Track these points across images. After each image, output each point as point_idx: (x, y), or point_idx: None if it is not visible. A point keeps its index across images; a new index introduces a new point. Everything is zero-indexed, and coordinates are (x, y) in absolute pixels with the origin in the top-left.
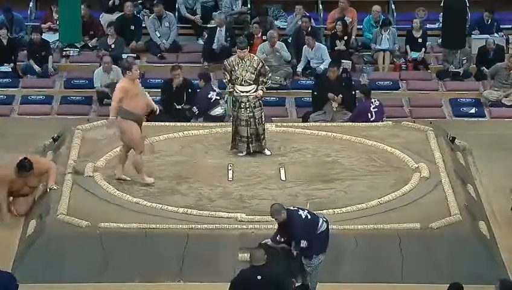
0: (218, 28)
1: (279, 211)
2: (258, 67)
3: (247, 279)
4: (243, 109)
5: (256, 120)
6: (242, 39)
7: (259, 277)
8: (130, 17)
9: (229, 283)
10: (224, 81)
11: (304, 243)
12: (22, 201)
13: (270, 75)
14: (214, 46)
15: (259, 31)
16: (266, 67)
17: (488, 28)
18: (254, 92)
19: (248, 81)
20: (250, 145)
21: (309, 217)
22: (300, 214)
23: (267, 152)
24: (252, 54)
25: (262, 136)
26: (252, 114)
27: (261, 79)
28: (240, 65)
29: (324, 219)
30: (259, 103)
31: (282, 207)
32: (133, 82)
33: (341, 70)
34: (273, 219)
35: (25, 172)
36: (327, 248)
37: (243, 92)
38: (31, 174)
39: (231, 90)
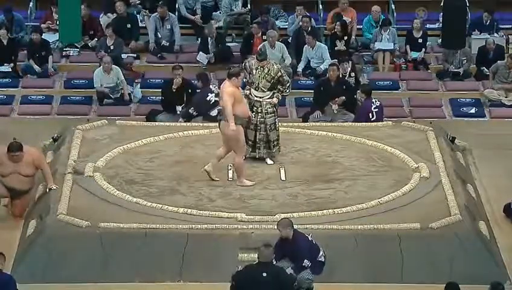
0: (209, 38)
1: (286, 226)
2: (277, 76)
3: (253, 274)
4: (254, 113)
5: (268, 126)
6: (262, 51)
7: (264, 274)
8: (124, 16)
9: (231, 277)
10: (244, 80)
11: (306, 263)
12: (18, 203)
13: (288, 84)
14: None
15: (259, 31)
16: (285, 77)
17: (488, 28)
18: (269, 98)
19: (262, 88)
20: (258, 150)
21: (314, 242)
22: (307, 237)
23: (269, 161)
24: (272, 62)
25: (274, 143)
26: (263, 120)
27: (278, 87)
28: (257, 70)
29: (324, 254)
30: (273, 109)
31: (292, 224)
32: (237, 87)
33: (349, 69)
34: (274, 220)
35: (13, 152)
36: (318, 273)
37: (257, 96)
38: (21, 158)
39: (247, 92)
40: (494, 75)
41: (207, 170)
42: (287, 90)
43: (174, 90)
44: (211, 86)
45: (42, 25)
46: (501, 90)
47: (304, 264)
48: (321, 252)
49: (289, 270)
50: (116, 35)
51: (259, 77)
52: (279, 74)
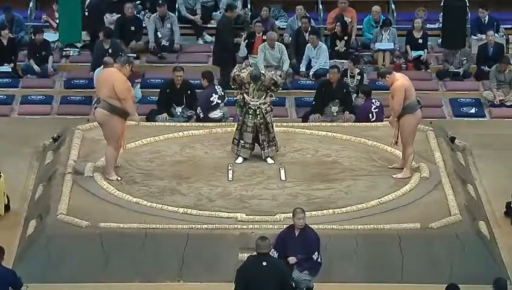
0: None
1: (297, 213)
2: (269, 85)
3: (253, 265)
4: (251, 116)
5: (269, 125)
6: (255, 72)
7: (264, 263)
8: (131, 18)
9: (236, 271)
10: (234, 86)
11: (316, 256)
12: None
13: (281, 83)
14: None
15: (261, 29)
16: (277, 78)
17: (487, 27)
18: (263, 100)
19: (258, 97)
20: (263, 151)
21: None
22: (317, 233)
23: (270, 161)
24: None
25: (274, 141)
26: (263, 120)
27: (272, 88)
28: (251, 85)
29: (321, 256)
30: (270, 108)
31: (304, 216)
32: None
33: (358, 71)
34: (274, 220)
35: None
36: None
37: (252, 101)
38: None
39: (240, 96)
40: (493, 78)
41: (398, 178)
42: (279, 87)
43: (174, 91)
44: (215, 87)
45: (43, 16)
46: (499, 91)
47: (313, 257)
48: (319, 254)
49: (305, 276)
50: (116, 36)
51: (253, 90)
52: (273, 81)
